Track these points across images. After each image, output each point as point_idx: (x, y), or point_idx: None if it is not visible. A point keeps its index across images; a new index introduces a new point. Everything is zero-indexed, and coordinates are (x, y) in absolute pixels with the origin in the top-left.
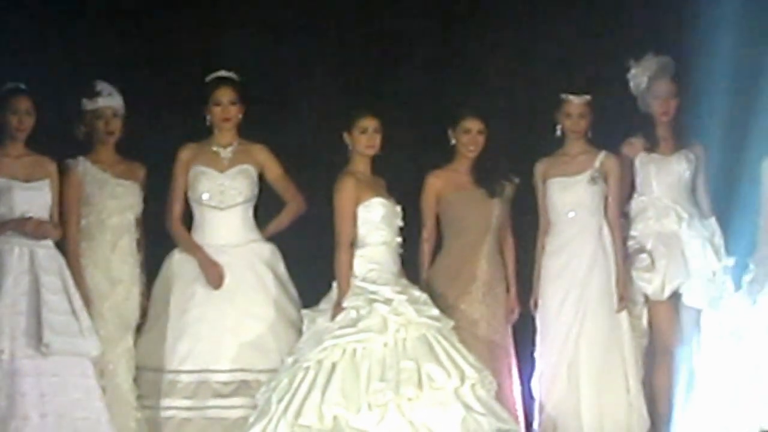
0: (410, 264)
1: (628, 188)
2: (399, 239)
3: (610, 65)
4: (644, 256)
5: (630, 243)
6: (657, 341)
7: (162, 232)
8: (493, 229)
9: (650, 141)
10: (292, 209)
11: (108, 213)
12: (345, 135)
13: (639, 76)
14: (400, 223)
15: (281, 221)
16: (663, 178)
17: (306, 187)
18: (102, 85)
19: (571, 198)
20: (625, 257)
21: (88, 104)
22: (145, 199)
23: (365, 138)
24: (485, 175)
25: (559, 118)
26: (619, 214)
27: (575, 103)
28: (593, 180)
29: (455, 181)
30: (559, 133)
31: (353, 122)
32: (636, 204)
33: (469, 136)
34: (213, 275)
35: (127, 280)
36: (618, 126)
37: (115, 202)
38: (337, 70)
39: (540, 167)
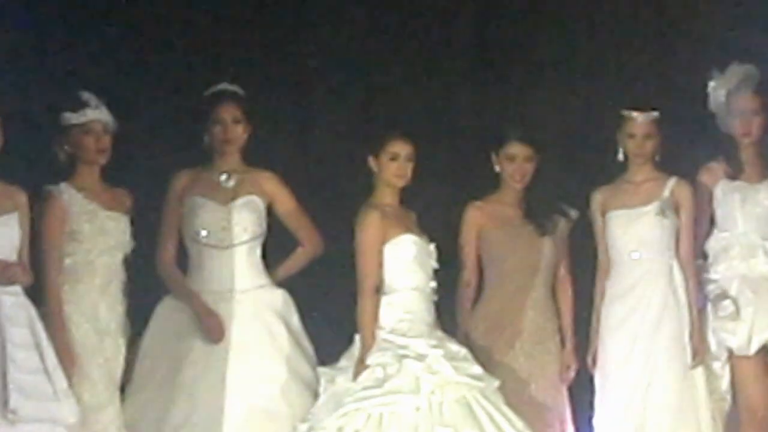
0: (447, 313)
1: (706, 223)
2: (433, 284)
3: (684, 76)
4: (727, 302)
5: (709, 287)
6: (742, 405)
7: (151, 275)
8: (542, 271)
9: (733, 166)
10: (307, 251)
11: (98, 252)
12: (371, 160)
13: (718, 89)
14: (435, 265)
15: (294, 264)
16: (750, 210)
17: (323, 222)
18: (88, 96)
19: (635, 234)
20: (702, 304)
21: (73, 118)
22: (133, 236)
23: (395, 166)
24: (535, 207)
25: (621, 140)
26: (694, 254)
27: (640, 120)
28: (662, 212)
29: (499, 215)
30: (621, 157)
31: (382, 146)
32: (716, 241)
33: (515, 165)
34: (212, 327)
35: (114, 331)
36: (693, 149)
37: (104, 238)
38: (360, 83)
39: (598, 197)
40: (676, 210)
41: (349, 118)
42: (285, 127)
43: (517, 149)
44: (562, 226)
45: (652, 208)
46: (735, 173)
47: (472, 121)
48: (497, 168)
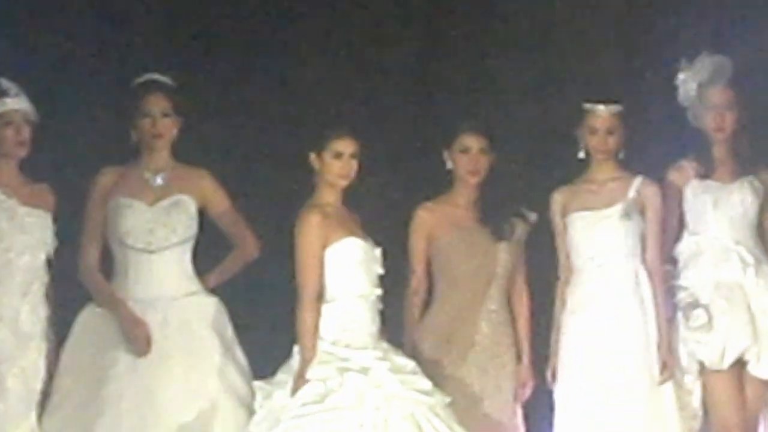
0: (393, 323)
1: (675, 225)
2: (378, 291)
3: (651, 67)
4: (699, 312)
5: (679, 296)
6: (715, 423)
7: (73, 281)
8: (498, 279)
9: (704, 164)
10: (241, 254)
11: (18, 251)
12: (312, 158)
13: (688, 81)
14: (380, 271)
15: (227, 269)
16: (722, 212)
17: (260, 224)
18: (7, 84)
19: (598, 238)
20: (671, 314)
21: None
22: (57, 235)
23: (339, 164)
24: (491, 209)
25: (582, 136)
26: (662, 259)
27: (602, 114)
28: (627, 214)
29: (451, 217)
30: (582, 154)
31: (324, 143)
32: (686, 246)
33: (469, 157)
34: (138, 338)
35: (38, 337)
36: (661, 146)
37: (24, 237)
38: (300, 75)
39: (558, 198)
40: (642, 212)
41: (288, 112)
42: (219, 122)
43: (470, 141)
44: (520, 230)
45: (616, 210)
46: (706, 172)
47: (421, 115)
48: (449, 164)
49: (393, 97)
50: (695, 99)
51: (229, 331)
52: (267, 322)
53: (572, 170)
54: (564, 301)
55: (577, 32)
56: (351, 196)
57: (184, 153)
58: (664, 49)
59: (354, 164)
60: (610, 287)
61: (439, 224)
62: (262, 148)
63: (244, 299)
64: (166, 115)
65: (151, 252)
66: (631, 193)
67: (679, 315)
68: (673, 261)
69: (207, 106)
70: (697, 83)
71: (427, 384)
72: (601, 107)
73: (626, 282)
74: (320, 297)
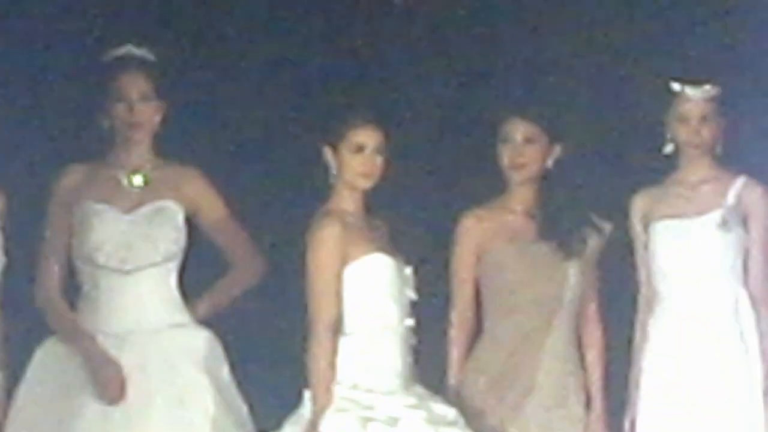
0: (431, 362)
1: None
2: (410, 321)
3: (757, 36)
4: None
5: None
6: None
7: (28, 309)
8: (566, 307)
9: None
10: (241, 276)
11: None
12: (327, 152)
13: None
14: (413, 296)
15: (223, 294)
16: None
17: (264, 237)
18: None
19: (689, 254)
20: None
21: None
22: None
23: (360, 160)
24: (555, 218)
25: (669, 125)
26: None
27: (695, 98)
28: (725, 224)
29: (507, 228)
30: (669, 149)
31: (342, 135)
32: None
33: (511, 147)
34: (110, 382)
35: None
36: None
37: None
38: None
39: (639, 203)
40: (745, 222)
41: (297, 99)
42: (212, 110)
43: (514, 128)
44: (593, 244)
45: (712, 218)
46: None
47: (461, 101)
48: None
49: (433, 83)
50: None
51: (225, 372)
52: (272, 361)
53: (657, 169)
54: (645, 335)
55: None
56: (376, 202)
57: (169, 147)
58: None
59: (379, 160)
60: (703, 317)
61: (490, 236)
62: (264, 141)
63: (243, 332)
64: (145, 98)
65: (127, 273)
66: (731, 198)
67: None
68: None
69: (198, 90)
70: None
71: None
72: (693, 89)
73: (724, 310)
74: (338, 329)
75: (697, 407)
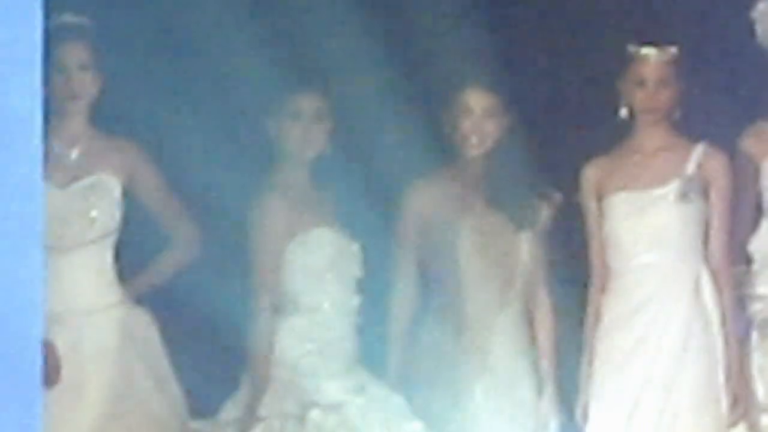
0: (374, 342)
1: (749, 212)
2: (356, 300)
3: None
4: None
5: (755, 307)
6: None
7: None
8: (519, 282)
9: None
10: (179, 251)
11: None
12: (268, 122)
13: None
14: (358, 273)
15: (159, 271)
16: None
17: (205, 214)
18: None
19: (646, 227)
20: (744, 331)
21: None
22: None
23: (299, 129)
24: (504, 189)
25: (624, 89)
26: (732, 257)
27: (652, 59)
28: (685, 195)
29: (453, 199)
30: (624, 113)
31: (281, 102)
32: (766, 240)
33: (470, 121)
34: (45, 364)
35: None
36: (732, 103)
37: None
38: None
39: (591, 174)
40: (705, 192)
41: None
42: (163, 72)
43: (473, 99)
44: (543, 216)
45: (670, 189)
46: None
47: (415, 70)
48: (447, 129)
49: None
50: None
51: (160, 353)
52: (209, 342)
53: (611, 136)
54: (598, 315)
55: None
56: (321, 173)
57: (108, 122)
58: None
59: (320, 128)
60: (660, 295)
61: (434, 207)
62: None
63: (180, 311)
64: (83, 68)
65: (62, 250)
66: (691, 167)
67: (755, 334)
68: (746, 260)
69: (139, 57)
70: None
71: (417, 426)
72: (650, 50)
73: (683, 288)
74: (277, 308)
75: (651, 388)
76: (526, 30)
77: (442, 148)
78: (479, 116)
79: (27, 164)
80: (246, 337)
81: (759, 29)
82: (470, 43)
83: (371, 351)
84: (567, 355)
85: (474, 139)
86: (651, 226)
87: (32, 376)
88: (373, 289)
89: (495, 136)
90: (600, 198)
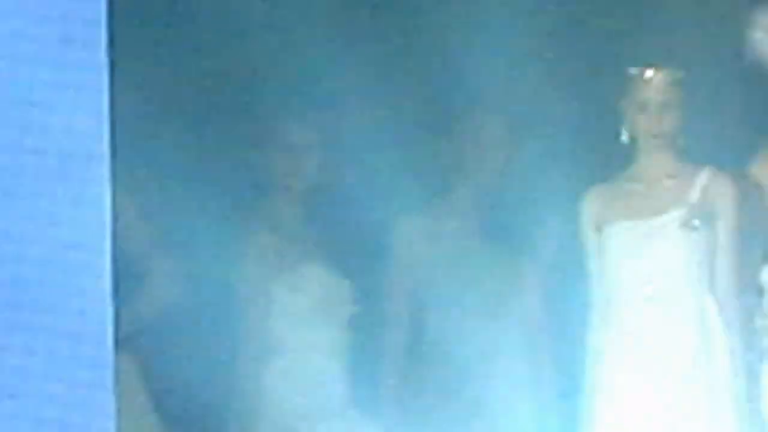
0: (366, 383)
1: (761, 239)
2: (346, 340)
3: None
4: None
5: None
6: None
7: None
8: (517, 319)
9: None
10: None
11: None
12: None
13: None
14: (350, 311)
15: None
16: None
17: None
18: None
19: (649, 259)
20: (757, 367)
21: None
22: None
23: (288, 159)
24: (505, 217)
25: (625, 113)
26: (741, 287)
27: (654, 82)
28: (689, 224)
29: (445, 228)
30: (626, 138)
31: (270, 132)
32: None
33: (482, 149)
34: None
35: None
36: (738, 127)
37: None
38: None
39: (591, 203)
40: (711, 220)
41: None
42: None
43: (482, 124)
44: (545, 246)
45: (674, 217)
46: None
47: (417, 95)
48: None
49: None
50: None
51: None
52: (195, 383)
53: (612, 162)
54: (599, 352)
55: None
56: (312, 207)
57: None
58: None
59: (309, 160)
60: (665, 329)
61: (430, 239)
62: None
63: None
64: None
65: None
66: (695, 194)
67: (767, 368)
68: (759, 291)
69: None
70: None
71: None
72: (653, 72)
73: (688, 321)
74: (266, 348)
75: (657, 428)
76: (524, 53)
77: (440, 180)
78: (491, 144)
79: (95, 194)
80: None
81: (762, 49)
82: (465, 65)
83: (363, 392)
84: (569, 391)
85: (486, 168)
86: (654, 256)
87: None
88: (365, 327)
89: (503, 164)
90: (600, 228)
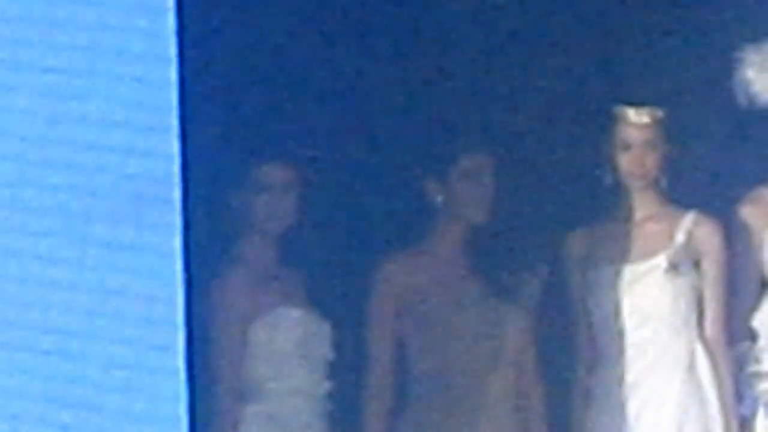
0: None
1: (751, 284)
2: (327, 385)
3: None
4: None
5: (763, 386)
6: None
7: None
8: (504, 364)
9: None
10: None
11: None
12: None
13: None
14: (329, 355)
15: None
16: None
17: None
18: None
19: (636, 302)
20: (750, 413)
21: None
22: None
23: (266, 200)
24: (488, 258)
25: (609, 154)
26: (731, 333)
27: (637, 121)
28: (675, 267)
29: (429, 271)
30: (609, 179)
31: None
32: None
33: (473, 186)
34: None
35: None
36: (724, 168)
37: None
38: None
39: (575, 246)
40: (697, 263)
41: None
42: None
43: (477, 164)
44: (529, 291)
45: (660, 261)
46: None
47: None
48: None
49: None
50: None
51: None
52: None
53: (596, 205)
54: (588, 400)
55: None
56: (289, 248)
57: None
58: (729, 30)
59: (288, 200)
60: (653, 374)
61: (408, 281)
62: None
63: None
64: None
65: None
66: (680, 237)
67: (762, 414)
68: (749, 336)
69: None
70: None
71: None
72: (636, 112)
73: (677, 365)
74: (242, 394)
75: None
76: (509, 91)
77: (425, 217)
78: (482, 182)
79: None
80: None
81: (751, 88)
82: (450, 105)
83: None
84: None
85: (474, 205)
86: (640, 301)
87: None
88: (345, 372)
89: (493, 202)
90: (585, 271)
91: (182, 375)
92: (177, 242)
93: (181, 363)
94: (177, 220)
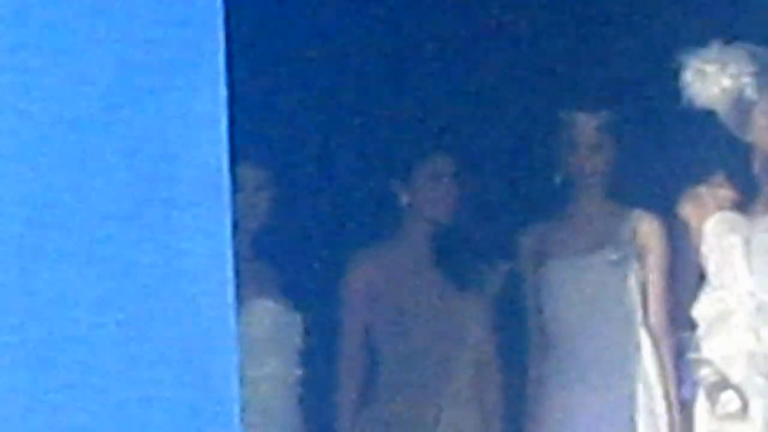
0: (317, 417)
1: (692, 276)
2: (298, 371)
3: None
4: (728, 395)
5: (701, 372)
6: None
7: None
8: (466, 352)
9: (740, 192)
10: None
11: None
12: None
13: (705, 77)
14: (300, 344)
15: None
16: (760, 258)
17: None
18: None
19: (583, 294)
20: (690, 397)
21: None
22: None
23: (242, 197)
24: (450, 253)
25: (557, 155)
26: (674, 321)
27: (584, 124)
28: (617, 262)
29: (396, 265)
30: (558, 179)
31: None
32: (710, 304)
33: (438, 186)
34: None
35: None
36: (665, 167)
37: None
38: None
39: (528, 242)
40: (642, 259)
41: None
42: None
43: (441, 165)
44: (490, 284)
45: (606, 255)
46: (740, 202)
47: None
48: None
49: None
50: (741, 103)
51: None
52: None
53: (548, 203)
54: (541, 388)
55: (553, 18)
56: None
57: None
58: (669, 36)
59: (262, 198)
60: (598, 363)
61: (377, 273)
62: None
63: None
64: None
65: None
66: (625, 233)
67: (700, 398)
68: (690, 325)
69: None
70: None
71: None
72: (582, 116)
73: (623, 354)
74: None
75: None
76: (467, 97)
77: (391, 215)
78: (444, 183)
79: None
80: None
81: (690, 92)
82: (416, 109)
83: (315, 426)
84: (510, 422)
85: (436, 205)
86: (587, 293)
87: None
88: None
89: (455, 202)
90: (539, 265)
91: None
92: None
93: None
94: None
